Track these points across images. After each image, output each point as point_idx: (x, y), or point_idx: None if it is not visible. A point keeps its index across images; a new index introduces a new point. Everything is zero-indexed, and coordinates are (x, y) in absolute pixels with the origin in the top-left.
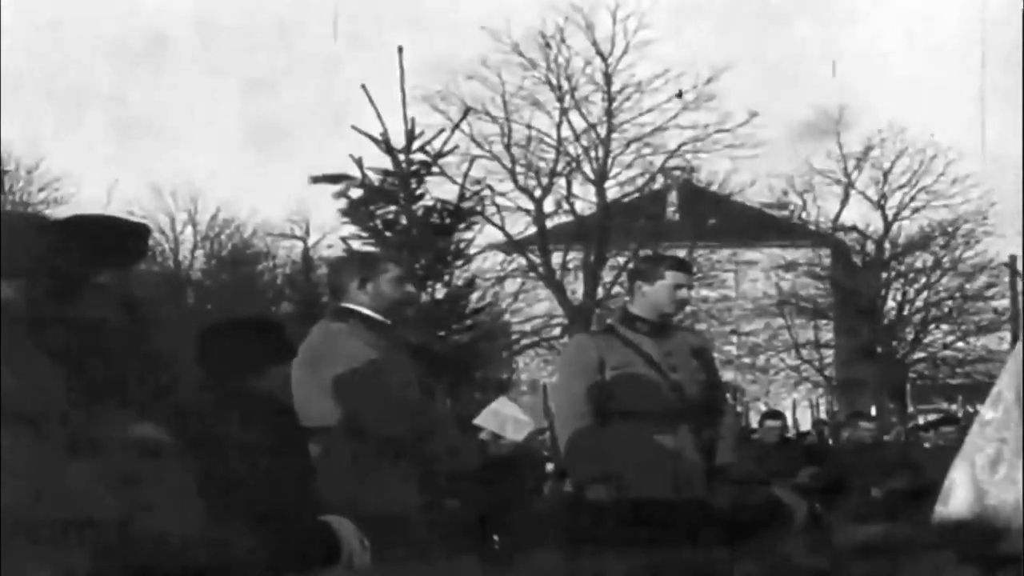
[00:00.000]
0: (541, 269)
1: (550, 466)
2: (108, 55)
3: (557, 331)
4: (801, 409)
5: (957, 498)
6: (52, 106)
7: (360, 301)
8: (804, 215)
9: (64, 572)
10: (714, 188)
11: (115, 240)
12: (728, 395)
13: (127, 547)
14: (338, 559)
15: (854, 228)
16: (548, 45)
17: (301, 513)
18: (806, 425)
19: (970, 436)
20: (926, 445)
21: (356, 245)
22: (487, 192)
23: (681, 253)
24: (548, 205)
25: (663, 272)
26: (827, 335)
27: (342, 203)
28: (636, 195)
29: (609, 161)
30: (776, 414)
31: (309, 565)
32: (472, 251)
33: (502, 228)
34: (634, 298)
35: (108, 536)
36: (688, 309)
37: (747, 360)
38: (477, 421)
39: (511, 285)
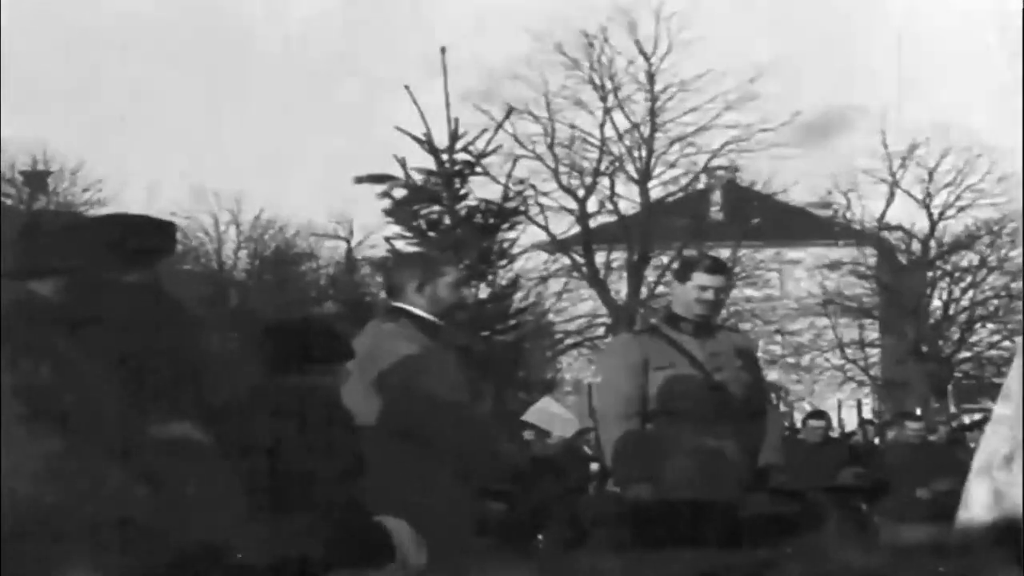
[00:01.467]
0: (585, 269)
1: (594, 466)
2: (151, 56)
3: (601, 331)
4: (846, 409)
5: (977, 502)
6: (95, 107)
7: (415, 302)
8: (848, 214)
9: (106, 572)
10: (758, 187)
11: (142, 237)
12: (772, 395)
13: (167, 546)
14: (392, 559)
15: (899, 227)
16: (591, 44)
17: (356, 513)
18: (851, 425)
19: (985, 435)
20: (971, 445)
21: (400, 245)
22: (531, 192)
23: (725, 253)
24: (592, 205)
25: (690, 273)
26: (872, 334)
27: (386, 203)
28: (680, 194)
29: (653, 160)
30: (820, 414)
31: (363, 565)
32: (516, 251)
33: (546, 228)
34: (674, 298)
35: (148, 535)
36: (732, 308)
37: (791, 360)
38: (525, 418)
39: (555, 285)
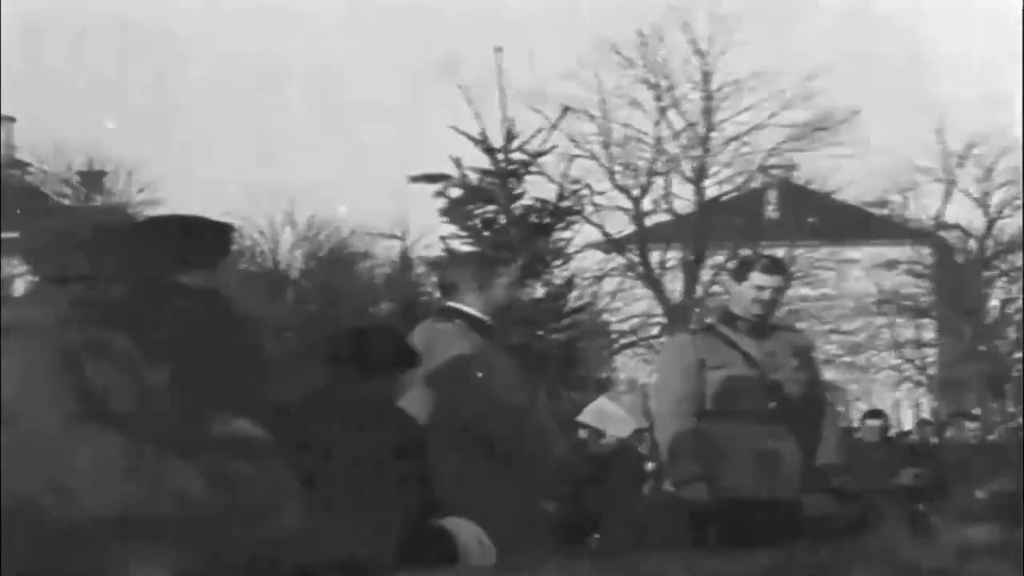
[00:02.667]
0: (639, 268)
1: (650, 465)
2: (206, 55)
3: (655, 330)
4: (903, 408)
5: None
6: (151, 107)
7: (470, 302)
8: (905, 213)
9: (169, 571)
10: (814, 186)
11: (199, 239)
12: (829, 394)
13: (227, 544)
14: (455, 561)
15: (956, 226)
16: (646, 44)
17: (419, 515)
18: (908, 425)
19: None
20: None
21: (455, 245)
22: (586, 191)
23: (780, 252)
24: (647, 204)
25: (748, 273)
26: (929, 334)
27: (441, 203)
28: (735, 194)
29: (708, 159)
30: (878, 413)
31: (425, 566)
32: (571, 250)
33: (601, 227)
34: (731, 297)
35: (211, 534)
36: (788, 308)
37: (848, 359)
38: (581, 418)
39: (609, 284)
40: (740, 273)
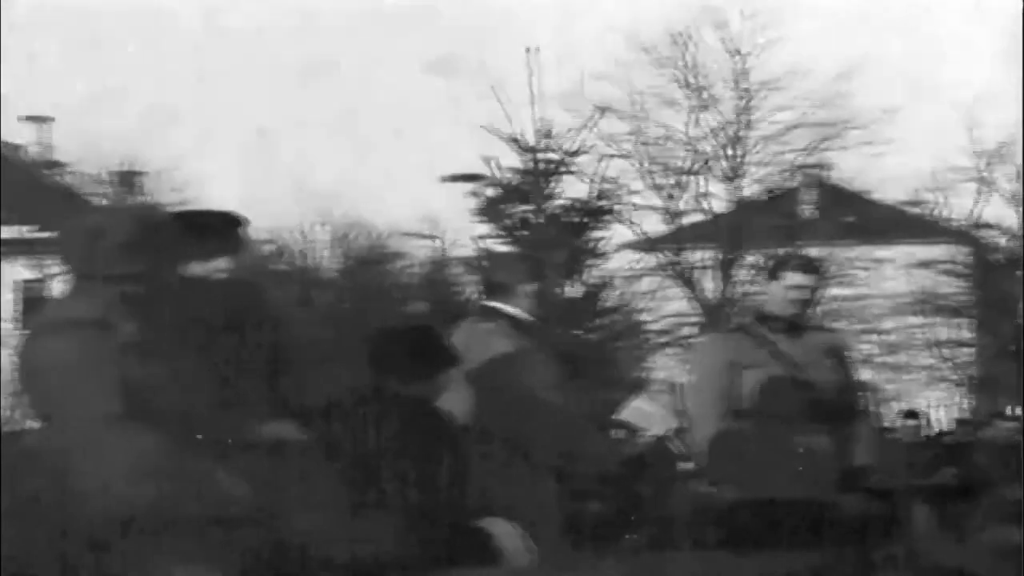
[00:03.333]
0: (675, 268)
1: (685, 465)
2: (242, 57)
3: (690, 330)
4: (940, 408)
5: None
6: (187, 107)
7: (510, 301)
8: (940, 212)
9: (210, 568)
10: (849, 186)
11: (212, 231)
12: (865, 394)
13: (266, 544)
14: (496, 562)
15: (991, 225)
16: (679, 43)
17: (458, 515)
18: (945, 425)
19: None
20: None
21: (490, 244)
22: (620, 191)
23: (815, 251)
24: (681, 204)
25: (782, 272)
26: (965, 333)
27: (476, 202)
28: (770, 193)
29: (742, 159)
30: (914, 413)
31: (464, 566)
32: (606, 250)
33: (635, 227)
34: (766, 297)
35: (250, 533)
36: (823, 307)
37: (884, 359)
38: (616, 417)
39: (644, 284)
40: (774, 272)
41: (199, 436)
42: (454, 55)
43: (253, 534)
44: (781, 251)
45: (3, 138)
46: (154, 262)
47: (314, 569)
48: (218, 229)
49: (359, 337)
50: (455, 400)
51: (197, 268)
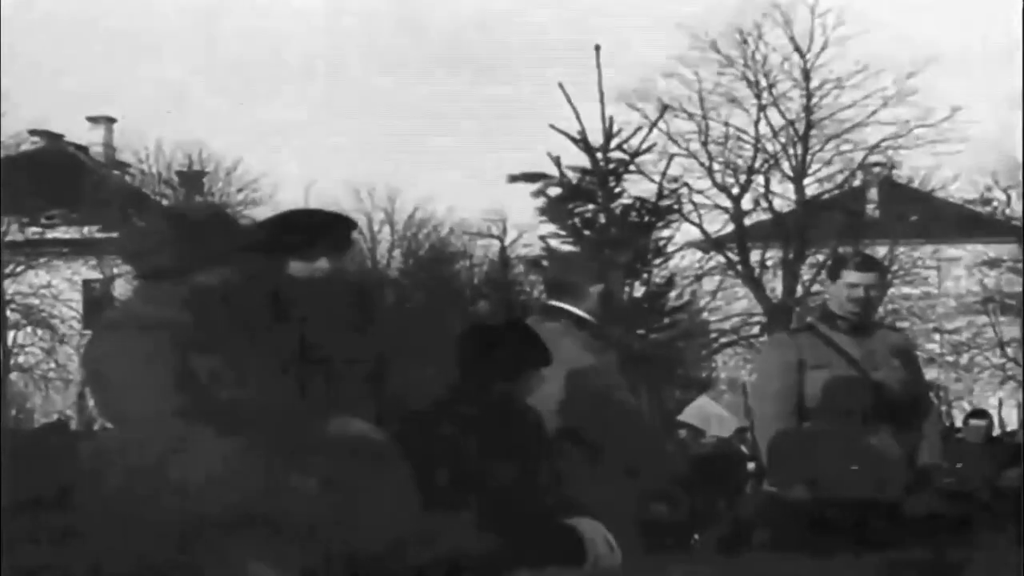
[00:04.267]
0: (739, 267)
1: (751, 465)
2: (304, 56)
3: (756, 329)
4: (1007, 408)
5: None
6: (251, 106)
7: (576, 302)
8: (1008, 211)
9: (285, 568)
10: (915, 184)
11: (318, 231)
12: (932, 394)
13: (342, 544)
14: (583, 561)
15: None
16: (745, 41)
17: (546, 514)
18: (1013, 424)
19: None
20: None
21: (555, 244)
22: (685, 190)
23: (882, 250)
24: (746, 202)
25: (841, 271)
26: None
27: (540, 202)
28: (836, 191)
29: (808, 158)
30: (981, 413)
31: (552, 566)
32: (670, 249)
33: (700, 226)
34: (830, 297)
35: (326, 534)
36: (890, 307)
37: (951, 358)
38: (682, 417)
39: (709, 283)
40: (834, 271)
41: (274, 435)
42: (519, 52)
43: (327, 535)
44: (844, 250)
45: (67, 139)
46: (214, 260)
47: (393, 570)
48: (328, 230)
49: (436, 335)
50: (544, 398)
51: (300, 268)
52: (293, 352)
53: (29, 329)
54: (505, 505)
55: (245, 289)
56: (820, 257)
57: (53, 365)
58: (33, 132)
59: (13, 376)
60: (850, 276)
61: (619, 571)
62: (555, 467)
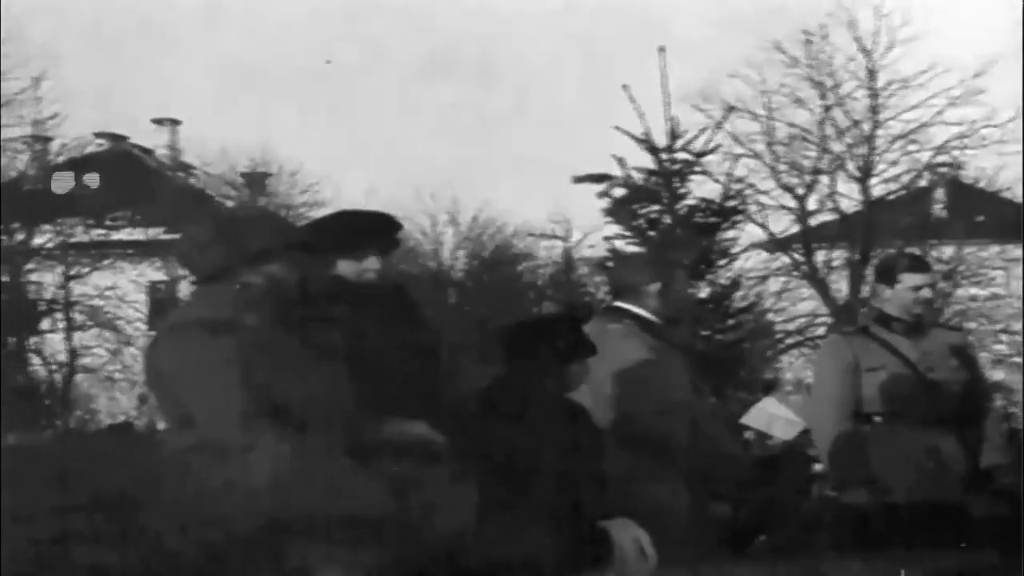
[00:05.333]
0: (805, 268)
1: (817, 467)
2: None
3: (821, 330)
4: None
5: None
6: (315, 109)
7: (641, 303)
8: None
9: (350, 570)
10: (982, 185)
11: (367, 232)
12: (997, 395)
13: (404, 545)
14: (608, 565)
15: None
16: (811, 42)
17: (588, 515)
18: None
19: None
20: None
21: (619, 245)
22: (750, 191)
23: (948, 251)
24: (811, 203)
25: (897, 275)
26: None
27: (605, 203)
28: (902, 192)
29: (874, 158)
30: None
31: (583, 568)
32: (735, 250)
33: (765, 227)
34: (881, 299)
35: (386, 534)
36: (956, 307)
37: (1017, 359)
38: (744, 420)
39: (774, 284)
40: (890, 275)
41: (333, 437)
42: (585, 53)
43: (390, 536)
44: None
45: (129, 141)
46: (262, 261)
47: (452, 570)
48: (373, 230)
49: (497, 327)
50: (601, 399)
51: (348, 268)
52: (344, 352)
53: (95, 331)
54: (545, 504)
55: (294, 289)
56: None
57: (119, 367)
58: (98, 134)
59: (78, 377)
60: (913, 279)
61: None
62: (602, 465)
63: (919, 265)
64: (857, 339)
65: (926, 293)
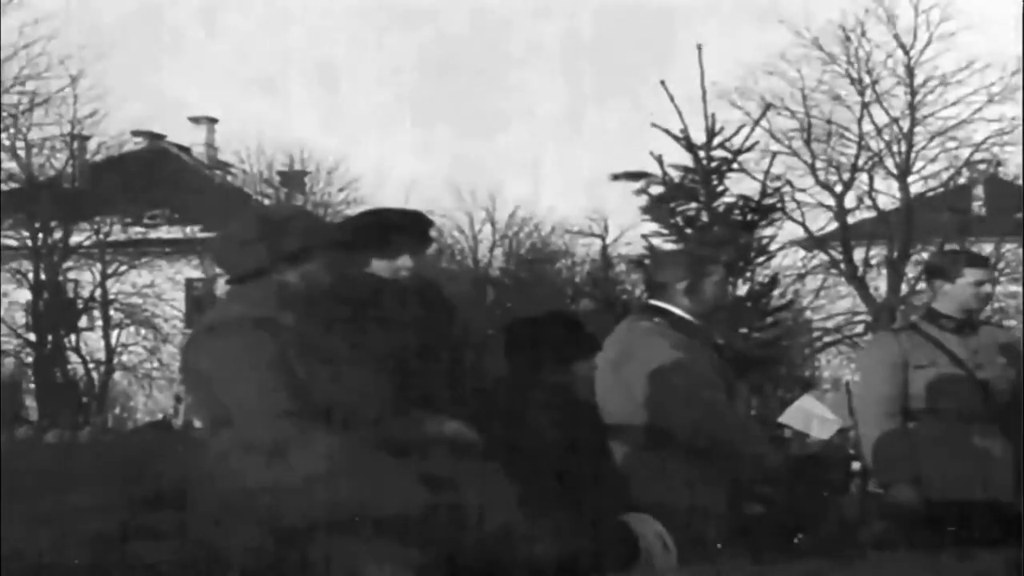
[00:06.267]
0: (843, 265)
1: (856, 465)
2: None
3: (860, 328)
4: None
5: None
6: (356, 107)
7: (678, 301)
8: None
9: (400, 566)
10: (1021, 182)
11: (400, 230)
12: None
13: (445, 543)
14: (636, 559)
15: None
16: (848, 38)
17: (603, 511)
18: None
19: None
20: None
21: (657, 243)
22: (788, 188)
23: (987, 248)
24: (849, 200)
25: (962, 270)
26: None
27: (642, 200)
28: (940, 189)
29: (912, 155)
30: None
31: (606, 564)
32: (773, 248)
33: (803, 224)
34: (936, 296)
35: (428, 532)
36: (996, 305)
37: None
38: (782, 419)
39: (812, 282)
40: (952, 270)
41: (373, 435)
42: (622, 51)
43: (431, 534)
44: (950, 249)
45: (168, 140)
46: (297, 260)
47: (490, 567)
48: (406, 228)
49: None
50: (605, 393)
51: (382, 266)
52: (380, 349)
53: (132, 328)
54: (564, 500)
55: (329, 287)
56: (925, 255)
57: (156, 364)
58: (136, 133)
59: (117, 375)
60: (974, 274)
61: (674, 570)
62: (612, 461)
63: (979, 261)
64: (905, 336)
65: (987, 289)
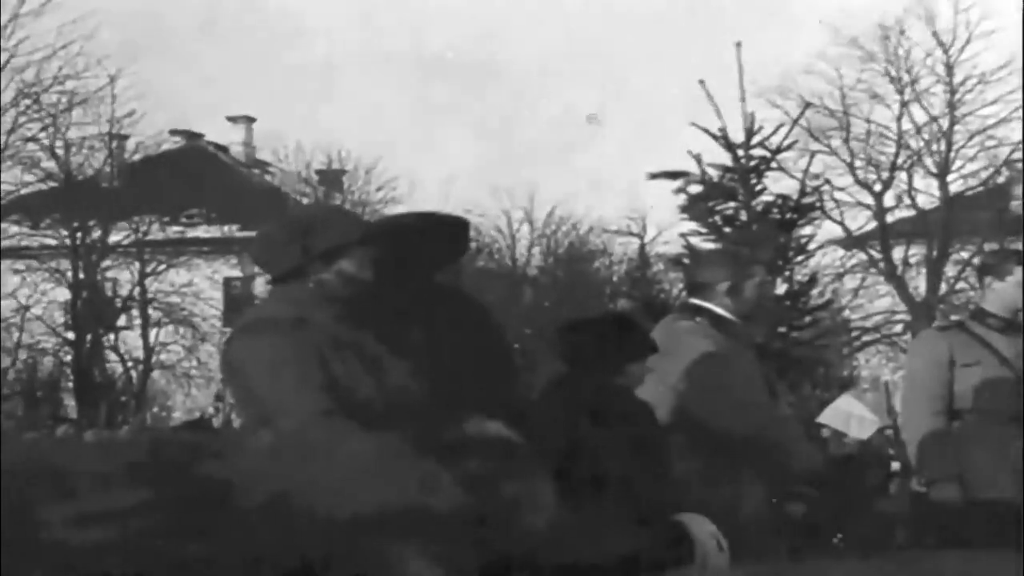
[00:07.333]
0: (882, 265)
1: (895, 464)
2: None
3: (899, 328)
4: None
5: None
6: (391, 106)
7: (719, 301)
8: None
9: (441, 566)
10: None
11: (439, 236)
12: None
13: (485, 543)
14: (691, 559)
15: None
16: (887, 37)
17: (659, 512)
18: None
19: None
20: None
21: (695, 242)
22: (827, 187)
23: None
24: (889, 199)
25: (1012, 267)
26: None
27: (681, 199)
28: (980, 188)
29: (951, 154)
30: None
31: (662, 564)
32: (812, 247)
33: (842, 223)
34: (985, 294)
35: (467, 532)
36: None
37: None
38: (821, 419)
39: (851, 281)
40: (1002, 268)
41: (415, 435)
42: (661, 50)
43: (472, 534)
44: (993, 247)
45: (206, 139)
46: (333, 259)
47: (532, 568)
48: (445, 232)
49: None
50: (646, 394)
51: (428, 272)
52: (418, 350)
53: (171, 327)
54: (621, 501)
55: (366, 285)
56: (964, 254)
57: (195, 363)
58: (173, 131)
59: (155, 374)
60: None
61: (727, 570)
62: (667, 462)
63: None
64: (952, 334)
65: None
